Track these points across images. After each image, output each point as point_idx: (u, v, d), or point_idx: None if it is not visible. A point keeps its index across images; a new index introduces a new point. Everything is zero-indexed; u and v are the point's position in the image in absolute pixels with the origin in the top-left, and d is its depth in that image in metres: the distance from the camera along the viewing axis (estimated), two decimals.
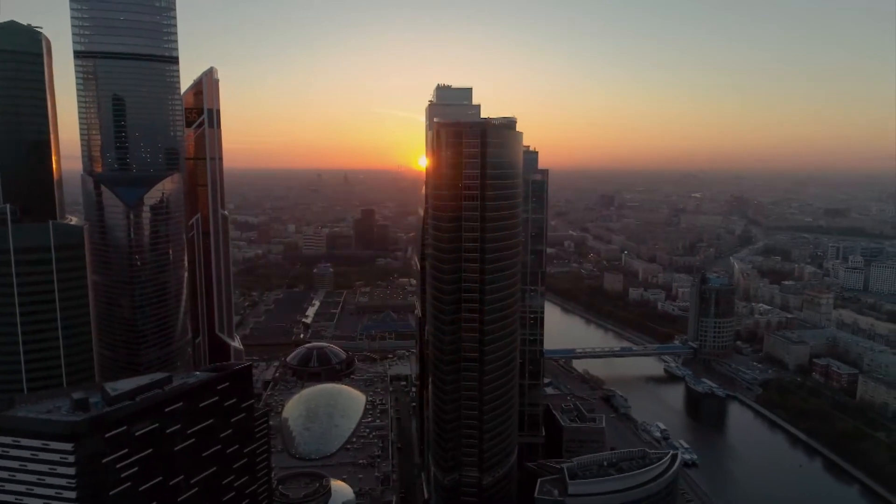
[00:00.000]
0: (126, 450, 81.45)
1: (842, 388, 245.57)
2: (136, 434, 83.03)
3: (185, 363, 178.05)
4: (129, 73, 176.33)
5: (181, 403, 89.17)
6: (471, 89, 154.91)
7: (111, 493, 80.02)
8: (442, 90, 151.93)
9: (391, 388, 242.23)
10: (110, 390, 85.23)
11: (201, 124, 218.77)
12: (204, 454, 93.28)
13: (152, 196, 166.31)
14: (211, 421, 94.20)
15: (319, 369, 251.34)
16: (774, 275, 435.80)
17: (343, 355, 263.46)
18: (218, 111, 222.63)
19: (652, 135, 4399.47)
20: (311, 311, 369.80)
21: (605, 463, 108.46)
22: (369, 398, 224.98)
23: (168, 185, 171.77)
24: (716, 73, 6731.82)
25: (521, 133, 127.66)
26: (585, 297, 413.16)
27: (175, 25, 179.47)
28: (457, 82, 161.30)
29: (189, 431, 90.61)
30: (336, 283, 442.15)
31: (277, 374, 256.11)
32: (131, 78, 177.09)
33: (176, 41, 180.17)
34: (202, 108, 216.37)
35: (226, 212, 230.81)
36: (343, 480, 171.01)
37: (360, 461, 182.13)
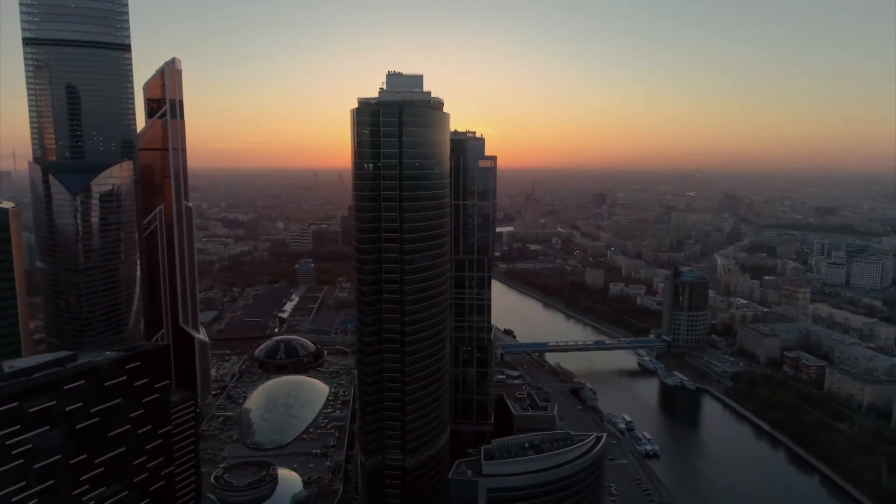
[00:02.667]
0: (17, 426, 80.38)
1: (810, 380, 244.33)
2: (30, 411, 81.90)
3: None
4: (81, 60, 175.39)
5: (83, 381, 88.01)
6: (421, 76, 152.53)
7: (0, 469, 78.95)
8: (392, 77, 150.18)
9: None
10: (6, 367, 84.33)
11: (164, 114, 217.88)
12: (111, 434, 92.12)
13: (100, 183, 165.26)
14: (119, 401, 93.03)
15: (286, 362, 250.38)
16: (757, 270, 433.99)
17: (312, 348, 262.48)
18: (181, 102, 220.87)
19: (651, 134, 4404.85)
20: (288, 307, 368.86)
21: (527, 444, 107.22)
22: (333, 390, 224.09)
23: (117, 173, 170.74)
24: (716, 72, 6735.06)
25: (448, 115, 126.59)
26: (567, 292, 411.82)
27: (127, 13, 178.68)
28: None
29: (93, 410, 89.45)
30: (318, 279, 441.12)
31: (244, 367, 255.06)
32: (83, 66, 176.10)
33: (128, 28, 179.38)
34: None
35: (190, 203, 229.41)
36: (294, 469, 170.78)
37: (315, 451, 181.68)
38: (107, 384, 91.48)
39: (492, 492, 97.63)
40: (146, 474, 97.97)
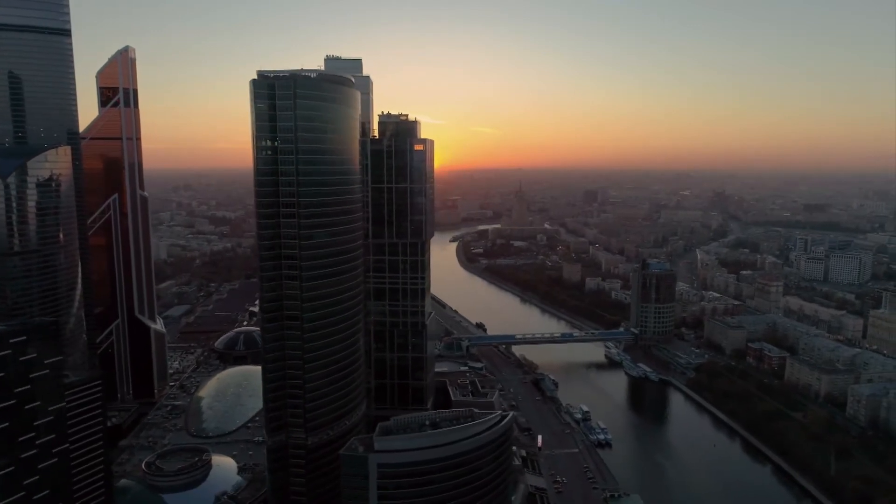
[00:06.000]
0: None
1: (772, 370, 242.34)
2: None
3: (76, 339, 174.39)
4: (21, 45, 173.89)
5: None
6: (360, 60, 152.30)
7: None
8: (331, 61, 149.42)
9: None
10: None
11: (117, 103, 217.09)
12: None
13: (35, 168, 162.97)
14: (1, 375, 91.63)
15: (245, 353, 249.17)
16: (738, 265, 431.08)
17: None
18: (135, 91, 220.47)
19: (650, 134, 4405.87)
20: None
21: (427, 421, 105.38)
22: None
23: (53, 158, 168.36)
24: (715, 72, 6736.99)
25: (357, 92, 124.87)
26: (544, 287, 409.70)
27: None
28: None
29: None
30: None
31: (202, 358, 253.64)
32: (24, 51, 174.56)
33: (69, 13, 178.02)
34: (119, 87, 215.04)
35: (145, 193, 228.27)
36: (233, 457, 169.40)
37: (257, 438, 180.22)
38: None
39: (383, 467, 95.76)
40: (34, 451, 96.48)
